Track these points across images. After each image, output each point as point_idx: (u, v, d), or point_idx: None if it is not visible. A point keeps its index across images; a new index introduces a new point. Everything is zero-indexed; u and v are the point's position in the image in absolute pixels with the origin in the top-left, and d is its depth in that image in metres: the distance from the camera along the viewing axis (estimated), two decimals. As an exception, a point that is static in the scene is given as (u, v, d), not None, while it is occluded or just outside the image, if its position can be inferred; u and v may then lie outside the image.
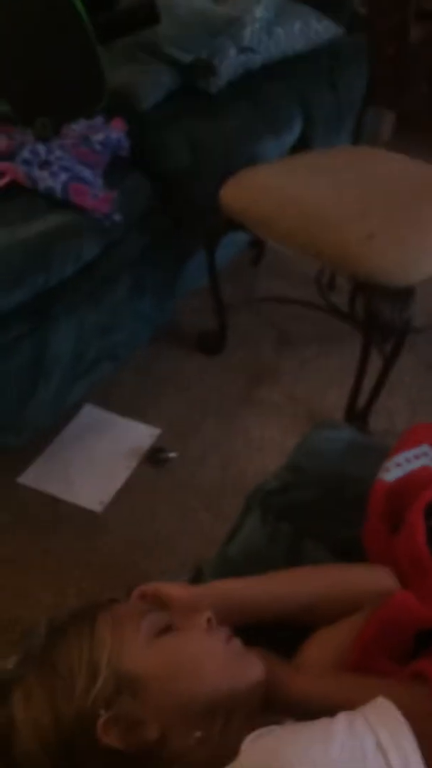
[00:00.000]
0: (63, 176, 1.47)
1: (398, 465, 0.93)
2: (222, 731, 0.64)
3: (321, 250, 1.48)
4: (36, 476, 1.57)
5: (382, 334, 1.58)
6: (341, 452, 1.03)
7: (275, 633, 0.79)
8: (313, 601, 0.79)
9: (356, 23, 2.24)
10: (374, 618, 0.74)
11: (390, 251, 1.43)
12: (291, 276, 2.19)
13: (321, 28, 2.17)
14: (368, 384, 1.69)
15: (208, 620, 0.71)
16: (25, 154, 1.48)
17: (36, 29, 1.58)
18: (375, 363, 1.67)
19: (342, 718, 0.56)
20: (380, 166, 1.71)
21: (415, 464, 0.93)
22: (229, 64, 1.96)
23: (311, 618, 0.80)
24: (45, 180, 1.47)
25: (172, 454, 1.64)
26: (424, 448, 0.96)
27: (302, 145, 2.05)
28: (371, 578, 0.81)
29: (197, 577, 0.91)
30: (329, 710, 0.57)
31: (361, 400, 1.70)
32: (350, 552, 0.87)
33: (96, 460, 1.61)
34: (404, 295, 1.47)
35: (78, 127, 1.60)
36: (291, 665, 0.76)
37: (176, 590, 0.79)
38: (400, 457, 0.94)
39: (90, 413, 1.73)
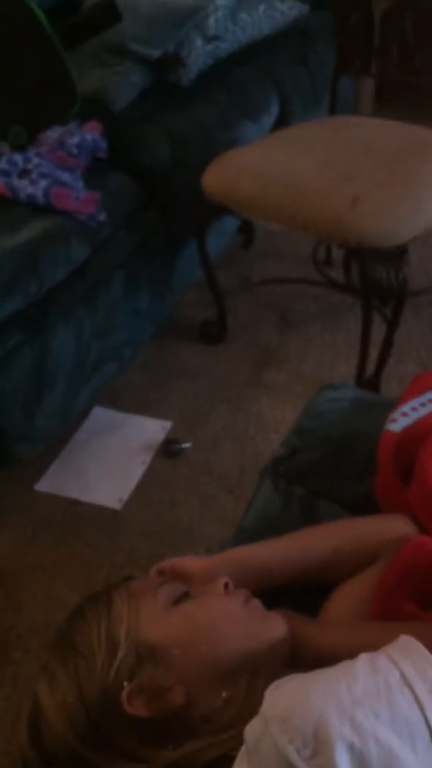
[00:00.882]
0: (43, 182, 1.48)
1: (404, 414, 0.91)
2: (248, 690, 0.63)
3: (308, 222, 1.47)
4: (52, 482, 1.58)
5: (381, 298, 1.56)
6: (346, 411, 1.01)
7: (298, 597, 0.78)
8: (331, 556, 0.78)
9: (320, -2, 2.24)
10: (393, 563, 0.73)
11: (377, 213, 1.42)
12: (286, 257, 2.18)
13: (285, 8, 2.17)
14: (377, 353, 1.67)
15: (226, 585, 0.71)
16: (2, 164, 1.49)
17: (-1, 42, 1.60)
18: (380, 330, 1.65)
19: (364, 656, 0.55)
20: (359, 131, 1.70)
21: (422, 412, 0.92)
22: (198, 54, 1.96)
23: (331, 575, 0.78)
24: (26, 188, 1.48)
25: (186, 445, 1.63)
26: (430, 395, 0.94)
27: (283, 125, 2.05)
28: (388, 527, 0.80)
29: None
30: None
31: (371, 370, 1.68)
32: (365, 508, 0.86)
33: (111, 459, 1.62)
34: (397, 255, 1.46)
35: (53, 133, 1.62)
36: (316, 622, 0.74)
37: (192, 562, 0.79)
38: (406, 407, 0.92)
39: (100, 415, 1.74)
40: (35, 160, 1.52)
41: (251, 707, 0.58)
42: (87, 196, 1.51)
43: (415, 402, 0.93)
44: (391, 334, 1.60)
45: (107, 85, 1.83)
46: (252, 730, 0.52)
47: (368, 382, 1.67)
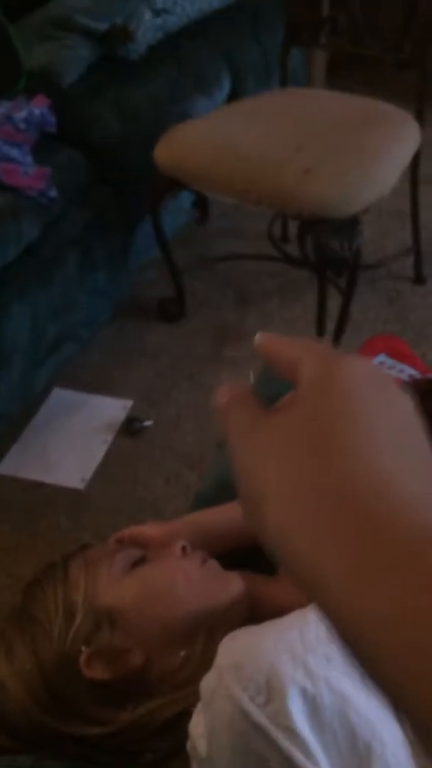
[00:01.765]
0: (-10, 158, 1.45)
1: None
2: (205, 647, 0.64)
3: (261, 194, 1.46)
4: (13, 464, 1.56)
5: (336, 270, 1.57)
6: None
7: (258, 559, 0.78)
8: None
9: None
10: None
11: (329, 183, 1.42)
12: (242, 233, 2.18)
13: (234, -19, 2.15)
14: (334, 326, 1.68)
15: (183, 548, 0.71)
16: None
17: None
18: (338, 305, 1.66)
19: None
20: (310, 103, 1.69)
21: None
22: (146, 28, 1.93)
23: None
24: (-28, 165, 1.44)
25: (147, 423, 1.63)
26: (381, 357, 0.95)
27: (235, 99, 2.04)
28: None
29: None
30: None
31: (329, 342, 1.69)
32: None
33: (72, 440, 1.60)
34: (350, 225, 1.46)
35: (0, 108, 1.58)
36: (274, 579, 0.75)
37: (150, 529, 0.79)
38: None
39: (60, 396, 1.72)
40: (-19, 136, 1.48)
41: (208, 664, 0.59)
42: (36, 172, 1.48)
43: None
44: (347, 305, 1.61)
45: (55, 59, 1.79)
46: (207, 682, 0.53)
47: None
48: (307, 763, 0.47)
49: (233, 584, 0.68)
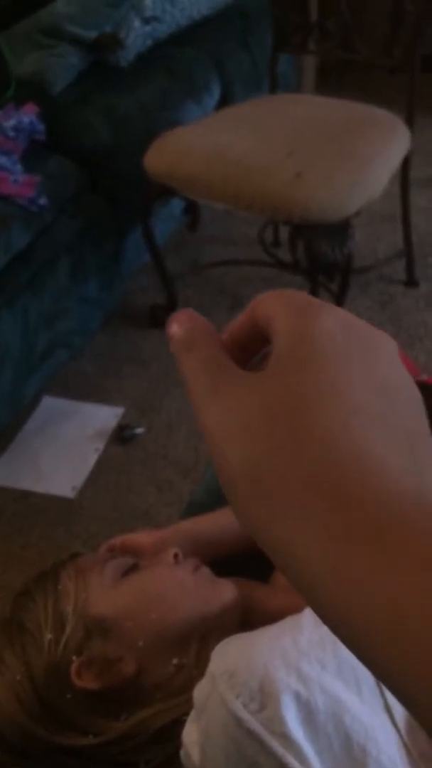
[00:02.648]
0: (-20, 166, 1.45)
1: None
2: (198, 655, 0.63)
3: (252, 199, 1.46)
4: (3, 473, 1.54)
5: (327, 274, 1.57)
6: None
7: (250, 566, 0.77)
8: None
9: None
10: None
11: (320, 187, 1.42)
12: (234, 240, 2.18)
13: (223, -11, 2.16)
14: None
15: (175, 555, 0.70)
16: None
17: None
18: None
19: (309, 610, 0.55)
20: (300, 109, 1.70)
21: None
22: (136, 35, 1.93)
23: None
24: (-38, 172, 1.44)
25: (139, 430, 1.62)
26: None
27: (225, 105, 2.04)
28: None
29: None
30: None
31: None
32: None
33: (63, 448, 1.59)
34: (341, 229, 1.47)
35: (-11, 116, 1.57)
36: (267, 586, 0.74)
37: (142, 537, 0.78)
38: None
39: (50, 404, 1.71)
40: (-30, 144, 1.48)
41: (201, 671, 0.58)
42: (25, 180, 1.48)
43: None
44: (340, 309, 1.61)
45: (45, 67, 1.79)
46: (200, 689, 0.52)
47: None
48: (302, 769, 0.46)
49: (226, 591, 0.67)
